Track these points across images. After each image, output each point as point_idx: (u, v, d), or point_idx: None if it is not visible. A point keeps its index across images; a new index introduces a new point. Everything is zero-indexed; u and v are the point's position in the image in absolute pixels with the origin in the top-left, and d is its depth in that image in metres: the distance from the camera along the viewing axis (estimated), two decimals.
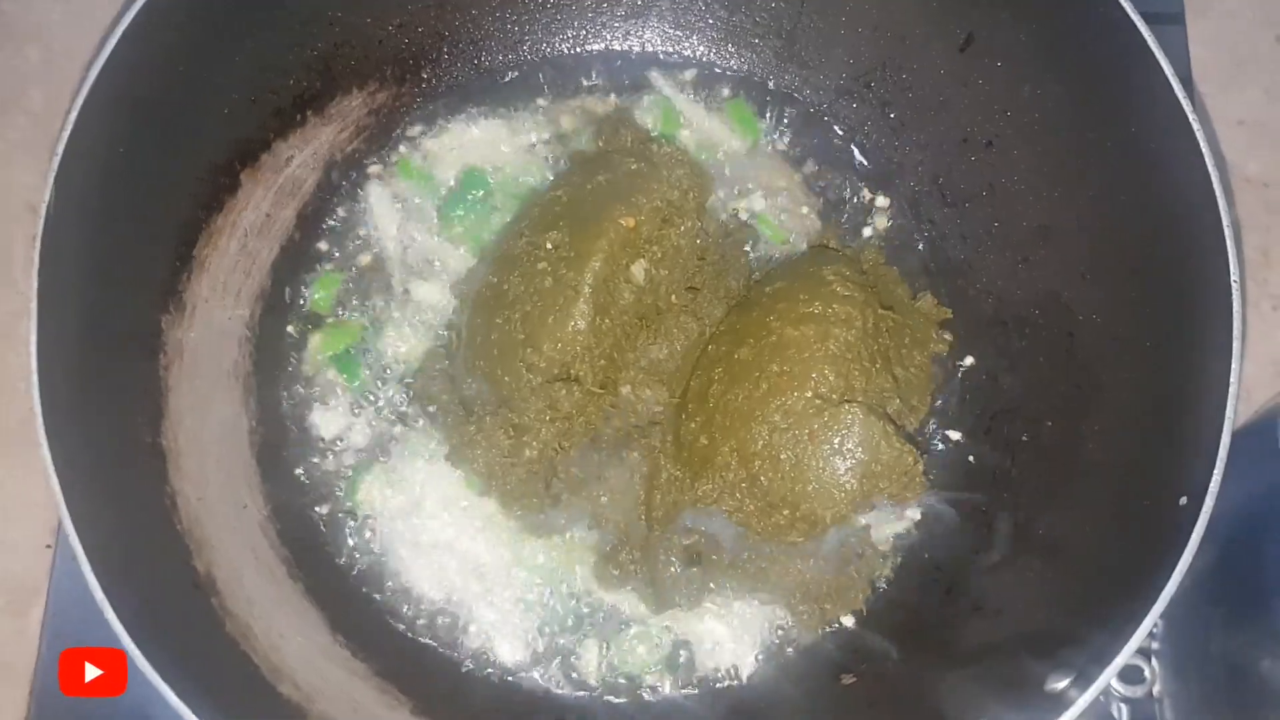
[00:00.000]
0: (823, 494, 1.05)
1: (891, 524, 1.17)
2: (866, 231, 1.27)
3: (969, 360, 1.22)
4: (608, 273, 1.09)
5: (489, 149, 1.28)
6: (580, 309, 1.07)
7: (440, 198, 1.26)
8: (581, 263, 1.08)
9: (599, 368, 1.10)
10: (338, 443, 1.19)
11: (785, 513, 1.07)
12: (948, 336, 1.22)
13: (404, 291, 1.23)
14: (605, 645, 1.13)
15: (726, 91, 1.31)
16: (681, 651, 1.13)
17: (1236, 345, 0.91)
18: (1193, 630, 1.14)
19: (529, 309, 1.09)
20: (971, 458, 1.18)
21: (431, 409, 1.18)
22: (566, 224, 1.11)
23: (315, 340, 1.21)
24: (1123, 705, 1.15)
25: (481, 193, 1.25)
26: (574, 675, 1.12)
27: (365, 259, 1.24)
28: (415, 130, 1.29)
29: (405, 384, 1.20)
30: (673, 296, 1.15)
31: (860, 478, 1.04)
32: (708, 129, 1.30)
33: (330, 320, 1.22)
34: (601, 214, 1.10)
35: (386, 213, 1.26)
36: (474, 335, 1.14)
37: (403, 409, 1.19)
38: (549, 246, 1.10)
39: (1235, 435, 1.17)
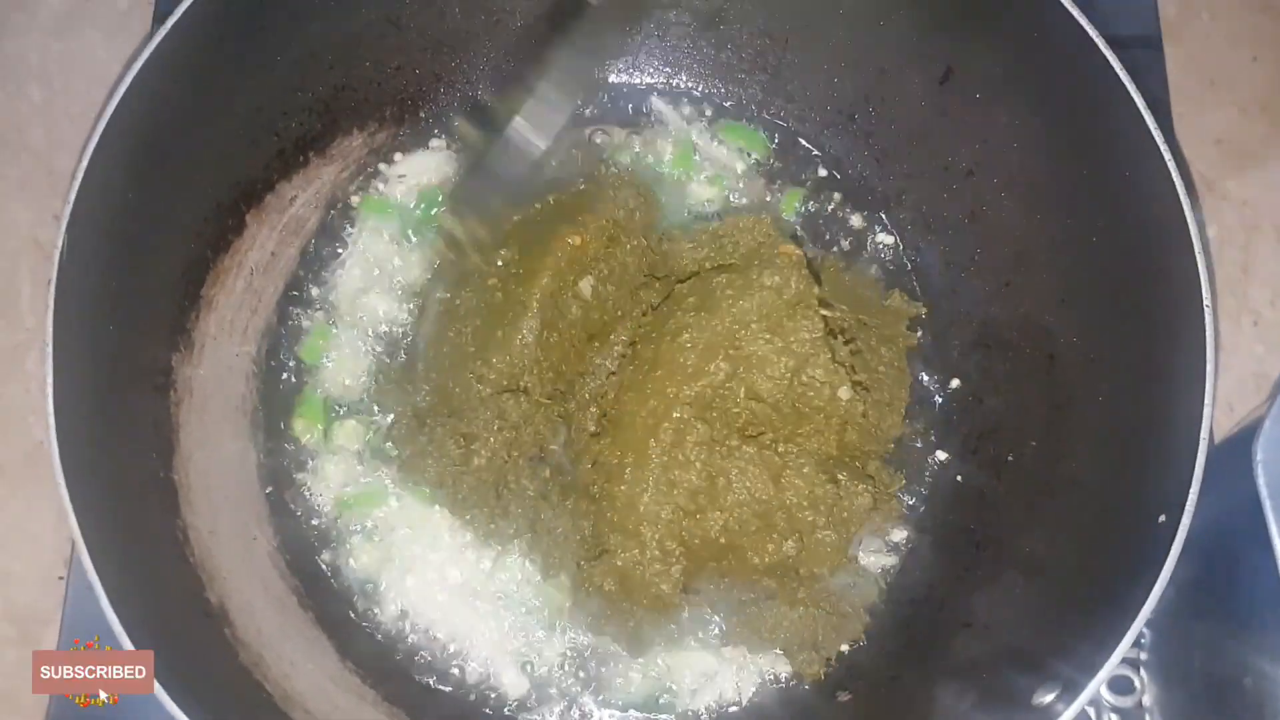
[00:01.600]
0: (814, 555, 1.08)
1: (881, 553, 1.19)
2: (859, 258, 1.30)
3: (955, 383, 1.24)
4: (555, 288, 1.11)
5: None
6: (529, 323, 1.10)
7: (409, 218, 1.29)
8: (530, 279, 1.11)
9: (547, 380, 1.12)
10: (342, 474, 1.20)
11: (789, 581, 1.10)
12: (919, 333, 1.26)
13: (358, 315, 1.25)
14: (599, 677, 1.14)
15: (719, 121, 1.34)
16: (676, 681, 1.14)
17: (1210, 367, 0.93)
18: (1179, 643, 1.16)
19: (480, 323, 1.12)
20: (959, 477, 1.20)
21: (388, 419, 1.20)
22: (516, 242, 1.15)
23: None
24: (1113, 715, 1.17)
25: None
26: (571, 707, 1.14)
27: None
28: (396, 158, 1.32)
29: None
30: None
31: (837, 528, 1.07)
32: (712, 155, 1.33)
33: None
34: (550, 232, 1.13)
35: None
36: (427, 348, 1.17)
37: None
38: (500, 263, 1.14)
39: (1214, 449, 1.19)
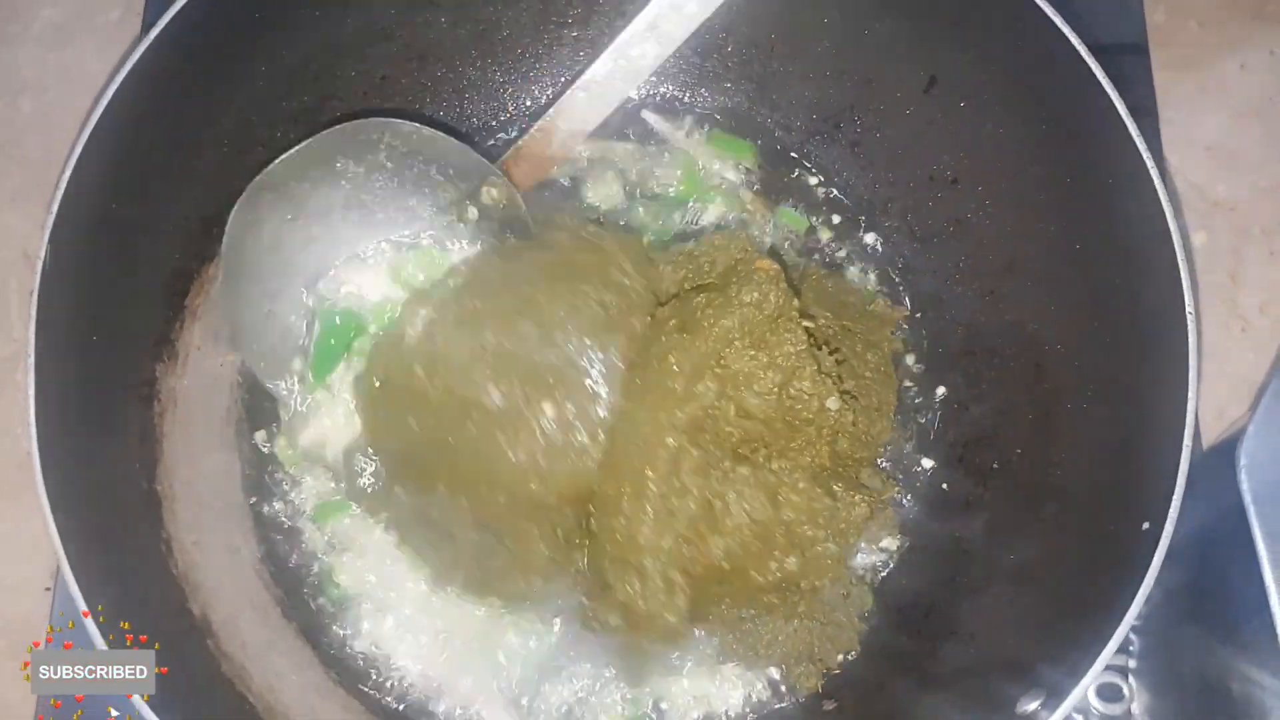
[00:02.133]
0: (815, 568, 1.08)
1: (872, 559, 1.19)
2: (847, 268, 1.29)
3: (941, 390, 1.24)
4: None
5: None
6: None
7: None
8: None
9: None
10: (321, 488, 1.20)
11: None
12: (906, 326, 1.26)
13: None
14: (585, 700, 1.13)
15: (709, 131, 1.34)
16: (665, 703, 1.14)
17: (1193, 375, 0.93)
18: (1169, 649, 1.16)
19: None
20: (945, 485, 1.20)
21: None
22: (514, 367, 1.08)
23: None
24: None
25: None
26: None
27: None
28: None
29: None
30: None
31: (836, 539, 1.07)
32: (713, 171, 1.32)
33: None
34: (555, 312, 1.08)
35: None
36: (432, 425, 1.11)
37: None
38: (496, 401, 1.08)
39: (1202, 455, 1.19)
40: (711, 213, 1.30)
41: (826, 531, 1.06)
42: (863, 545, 1.18)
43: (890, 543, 1.19)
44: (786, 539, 1.06)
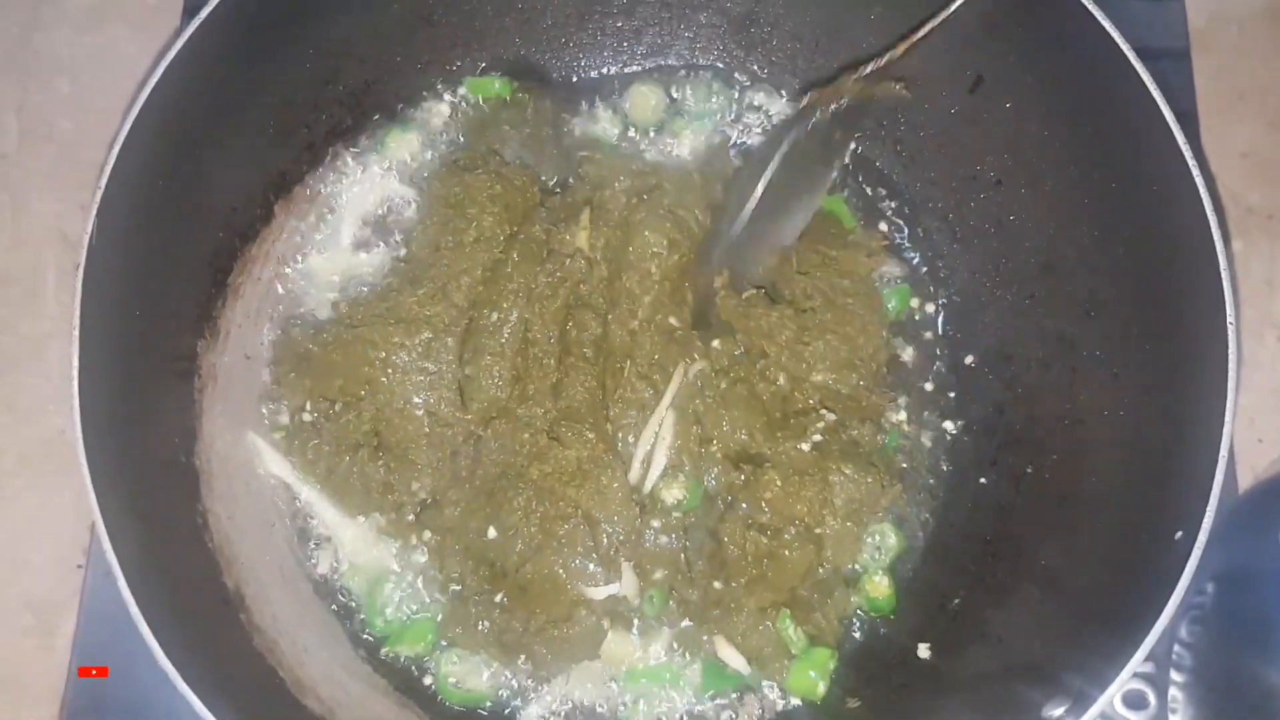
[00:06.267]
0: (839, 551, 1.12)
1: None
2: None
3: (977, 393, 1.23)
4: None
5: None
6: None
7: None
8: None
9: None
10: None
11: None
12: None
13: None
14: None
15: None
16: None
17: (1231, 385, 0.93)
18: (1219, 669, 1.14)
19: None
20: (977, 488, 1.19)
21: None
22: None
23: None
24: None
25: None
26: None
27: None
28: None
29: None
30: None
31: (852, 518, 1.12)
32: None
33: None
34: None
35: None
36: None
37: None
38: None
39: (1255, 489, 1.19)
40: None
41: (842, 512, 1.11)
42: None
43: (891, 537, 1.18)
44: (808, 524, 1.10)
